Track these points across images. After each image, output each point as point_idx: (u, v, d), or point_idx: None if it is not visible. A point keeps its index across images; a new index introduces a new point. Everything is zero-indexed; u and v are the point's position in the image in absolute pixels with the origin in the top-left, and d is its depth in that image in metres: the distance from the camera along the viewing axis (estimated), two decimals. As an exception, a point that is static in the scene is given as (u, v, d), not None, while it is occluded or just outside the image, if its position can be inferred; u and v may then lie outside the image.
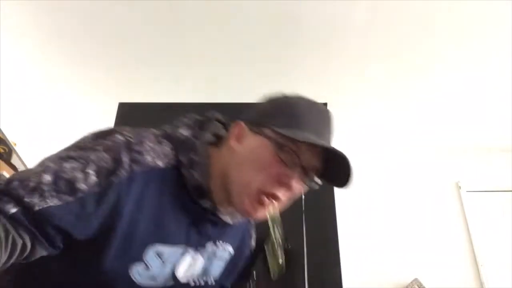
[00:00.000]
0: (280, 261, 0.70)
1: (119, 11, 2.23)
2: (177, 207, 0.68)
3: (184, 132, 0.72)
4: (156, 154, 0.66)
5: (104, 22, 2.31)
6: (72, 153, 0.60)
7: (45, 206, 0.53)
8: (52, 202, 0.54)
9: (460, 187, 3.27)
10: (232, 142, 0.72)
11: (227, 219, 0.75)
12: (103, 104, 2.81)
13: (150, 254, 0.65)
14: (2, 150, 2.17)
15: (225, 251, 0.80)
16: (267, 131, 0.69)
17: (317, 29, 2.30)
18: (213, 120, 0.78)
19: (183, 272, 0.72)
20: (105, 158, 0.60)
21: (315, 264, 1.58)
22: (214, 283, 0.81)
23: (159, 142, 0.68)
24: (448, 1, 2.09)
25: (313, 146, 0.67)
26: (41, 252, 0.56)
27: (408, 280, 2.86)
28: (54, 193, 0.55)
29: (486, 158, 3.36)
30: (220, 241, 0.78)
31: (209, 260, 0.77)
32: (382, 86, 2.75)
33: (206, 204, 0.70)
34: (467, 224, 3.11)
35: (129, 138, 0.64)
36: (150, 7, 2.19)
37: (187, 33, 2.37)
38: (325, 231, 1.72)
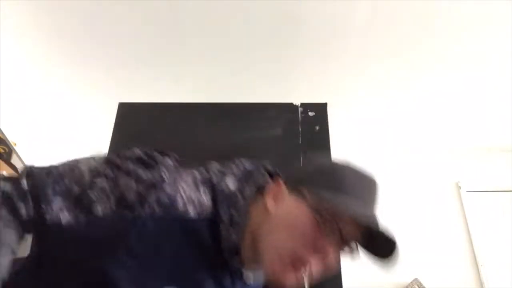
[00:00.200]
0: None
1: (119, 11, 2.23)
2: (199, 261, 0.64)
3: (231, 185, 0.67)
4: (189, 200, 0.62)
5: (104, 22, 2.31)
6: (109, 171, 0.60)
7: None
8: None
9: (460, 187, 3.26)
10: (269, 202, 0.67)
11: (249, 277, 0.70)
12: (103, 104, 2.80)
13: None
14: (2, 150, 2.17)
15: None
16: (307, 193, 0.65)
17: (317, 29, 2.30)
18: (261, 170, 0.73)
19: None
20: (133, 187, 0.59)
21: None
22: None
23: (197, 188, 0.64)
24: (448, 1, 2.09)
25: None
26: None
27: (408, 280, 2.86)
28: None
29: (486, 158, 3.35)
30: None
31: None
32: (382, 86, 2.75)
33: (236, 263, 0.66)
34: (467, 224, 3.11)
35: (163, 175, 0.61)
36: (150, 7, 2.19)
37: (187, 33, 2.37)
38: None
